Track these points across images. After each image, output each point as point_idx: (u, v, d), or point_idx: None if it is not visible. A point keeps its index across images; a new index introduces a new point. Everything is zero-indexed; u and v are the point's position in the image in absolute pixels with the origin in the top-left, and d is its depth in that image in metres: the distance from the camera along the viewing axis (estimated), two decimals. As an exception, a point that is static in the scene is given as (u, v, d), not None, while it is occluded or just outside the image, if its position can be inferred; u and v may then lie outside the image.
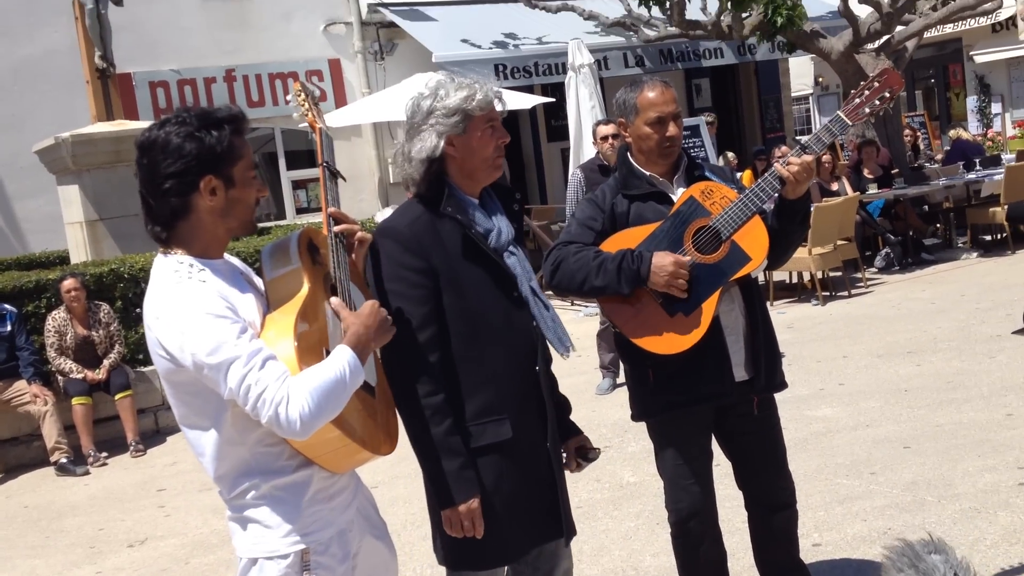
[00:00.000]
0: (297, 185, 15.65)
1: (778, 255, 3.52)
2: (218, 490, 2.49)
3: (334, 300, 2.49)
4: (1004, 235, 12.05)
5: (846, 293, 10.88)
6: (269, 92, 14.93)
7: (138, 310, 8.75)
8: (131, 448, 8.01)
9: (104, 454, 7.96)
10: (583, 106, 11.58)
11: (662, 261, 3.32)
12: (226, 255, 2.52)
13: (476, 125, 2.88)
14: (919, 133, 16.52)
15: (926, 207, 13.07)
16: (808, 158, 3.30)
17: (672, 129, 3.44)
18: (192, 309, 2.28)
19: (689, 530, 3.62)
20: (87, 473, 7.65)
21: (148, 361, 8.79)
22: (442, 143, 2.86)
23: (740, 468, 3.68)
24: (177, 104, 14.19)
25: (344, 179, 2.82)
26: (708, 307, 3.36)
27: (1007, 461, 5.25)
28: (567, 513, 3.05)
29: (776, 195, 3.37)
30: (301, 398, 2.24)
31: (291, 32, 15.13)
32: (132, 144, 9.29)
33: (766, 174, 3.38)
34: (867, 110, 3.44)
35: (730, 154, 15.45)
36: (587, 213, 3.53)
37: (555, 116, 16.51)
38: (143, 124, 11.67)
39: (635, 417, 3.61)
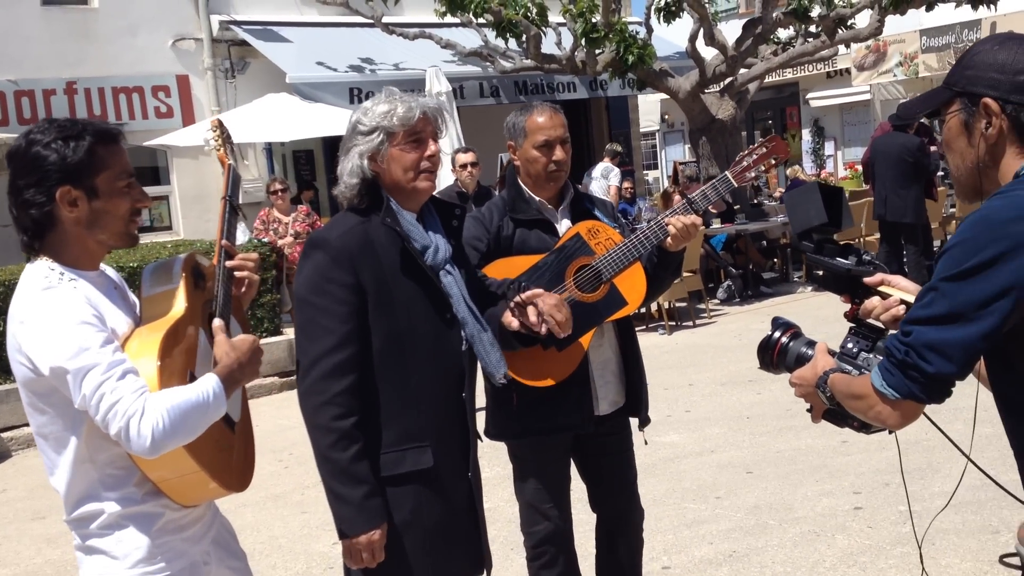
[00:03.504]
0: (140, 204, 15.09)
1: (648, 297, 3.64)
2: (64, 516, 2.38)
3: (216, 321, 2.42)
4: (837, 271, 12.63)
5: (691, 323, 11.23)
6: (112, 107, 14.38)
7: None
8: (-45, 476, 7.56)
9: (-76, 483, 7.49)
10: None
11: (545, 305, 3.29)
12: (103, 267, 2.45)
13: (396, 140, 2.79)
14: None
15: (765, 242, 13.63)
16: (695, 218, 3.41)
17: (559, 153, 3.50)
18: (58, 314, 2.20)
19: (544, 553, 3.66)
20: (-95, 503, 7.17)
21: (-24, 384, 8.32)
22: (364, 162, 2.80)
23: (594, 489, 3.76)
24: (14, 116, 13.54)
25: (245, 216, 2.79)
26: (581, 345, 3.43)
27: (843, 486, 5.50)
28: (486, 548, 2.98)
29: (659, 243, 3.46)
30: (156, 414, 2.15)
31: (137, 46, 14.63)
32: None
33: (651, 222, 3.48)
34: (752, 173, 3.60)
35: (627, 183, 15.78)
36: (473, 233, 3.54)
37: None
38: (-24, 135, 11.10)
39: (492, 436, 3.62)
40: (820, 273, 2.44)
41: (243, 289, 2.65)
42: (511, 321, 2.96)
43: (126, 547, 2.32)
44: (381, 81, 14.44)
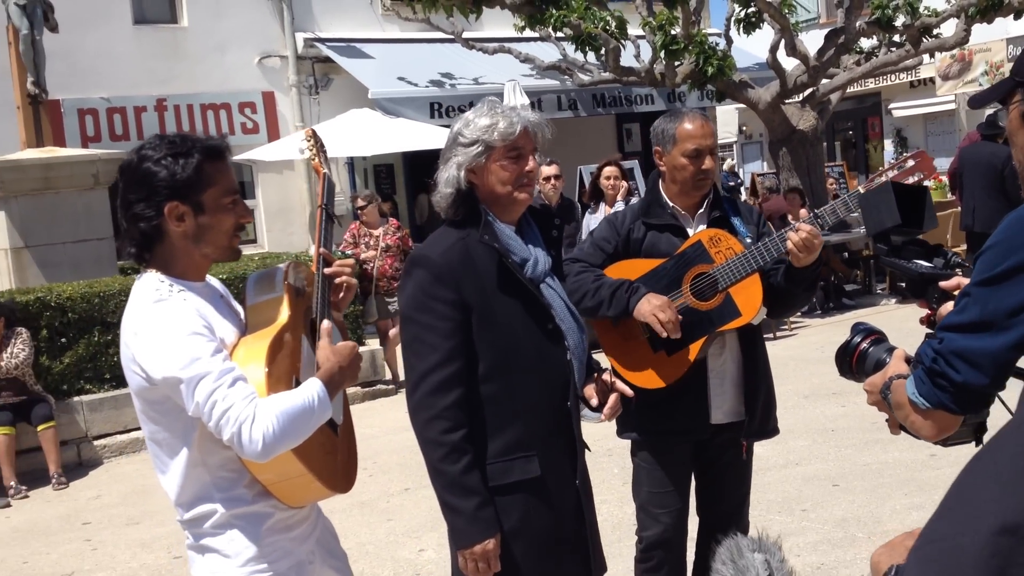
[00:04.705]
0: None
1: (781, 311, 3.64)
2: (177, 517, 2.48)
3: (325, 323, 2.51)
4: (922, 283, 12.41)
5: (771, 335, 11.10)
6: (201, 123, 14.78)
7: (63, 340, 8.54)
8: (53, 481, 7.79)
9: (25, 487, 7.74)
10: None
11: (652, 303, 3.34)
12: (209, 278, 2.55)
13: (496, 155, 2.78)
14: (838, 183, 17.01)
15: (847, 254, 13.45)
16: (812, 228, 3.29)
17: (708, 162, 3.52)
18: (170, 325, 2.30)
19: (652, 558, 3.69)
20: (7, 506, 7.42)
21: (72, 392, 8.58)
22: (462, 174, 2.79)
23: (703, 493, 3.76)
24: (106, 132, 13.98)
25: (340, 224, 2.86)
26: (691, 351, 3.44)
27: (933, 500, 5.35)
28: (597, 553, 2.97)
29: (780, 256, 3.37)
30: (266, 420, 2.25)
31: (225, 63, 15.04)
32: (61, 171, 9.10)
33: (775, 235, 3.41)
34: None
35: None
36: (603, 234, 3.63)
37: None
38: (73, 152, 11.48)
39: (618, 433, 3.67)
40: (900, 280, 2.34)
41: (340, 295, 2.73)
42: (591, 396, 2.94)
43: (237, 546, 2.41)
44: (461, 95, 14.62)
